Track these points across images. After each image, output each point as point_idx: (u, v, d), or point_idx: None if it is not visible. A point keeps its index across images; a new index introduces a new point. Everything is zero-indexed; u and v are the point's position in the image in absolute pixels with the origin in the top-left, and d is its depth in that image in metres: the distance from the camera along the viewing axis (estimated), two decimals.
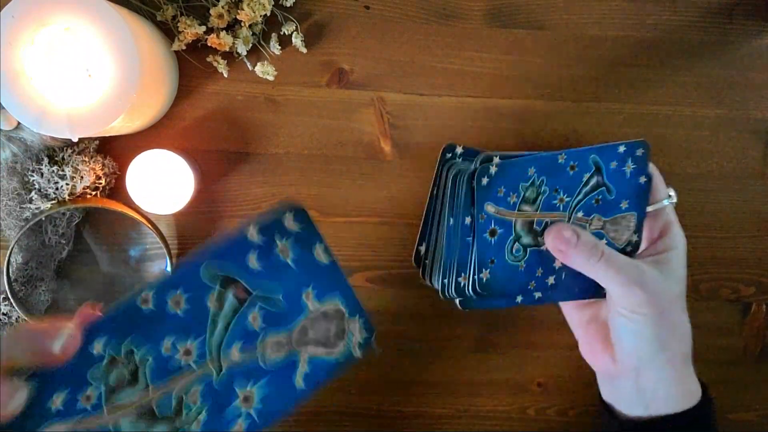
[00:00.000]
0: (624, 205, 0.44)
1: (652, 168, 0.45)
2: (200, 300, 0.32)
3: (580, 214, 0.43)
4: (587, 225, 0.43)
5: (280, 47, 0.51)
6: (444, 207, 0.45)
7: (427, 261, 0.48)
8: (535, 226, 0.43)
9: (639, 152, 0.44)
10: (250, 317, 0.33)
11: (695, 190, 0.56)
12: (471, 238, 0.43)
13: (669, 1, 0.55)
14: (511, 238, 0.42)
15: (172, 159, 0.49)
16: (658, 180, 0.45)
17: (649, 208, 0.44)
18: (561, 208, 0.43)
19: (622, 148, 0.43)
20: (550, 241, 0.42)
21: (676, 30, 0.55)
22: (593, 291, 0.43)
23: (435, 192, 0.47)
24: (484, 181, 0.41)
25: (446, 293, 0.44)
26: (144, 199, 0.50)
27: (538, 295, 0.44)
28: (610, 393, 0.45)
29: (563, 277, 0.44)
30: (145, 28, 0.47)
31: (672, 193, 0.45)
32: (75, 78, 0.44)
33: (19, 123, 0.49)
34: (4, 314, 0.52)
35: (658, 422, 0.42)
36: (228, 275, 0.32)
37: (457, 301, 0.45)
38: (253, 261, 0.33)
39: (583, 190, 0.43)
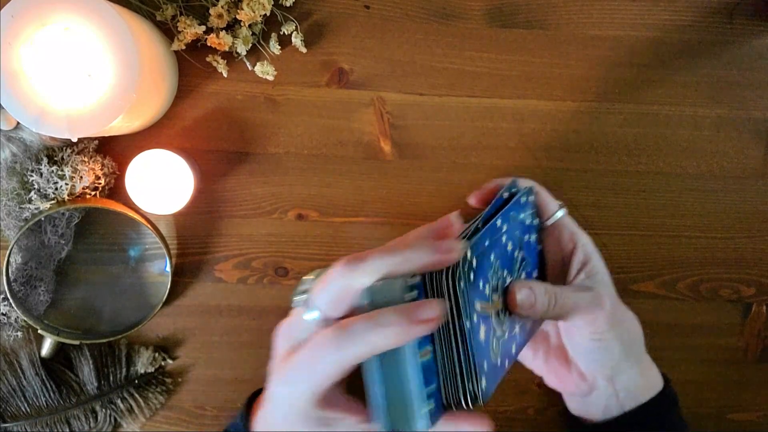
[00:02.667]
0: (534, 274, 0.44)
1: (537, 187, 0.45)
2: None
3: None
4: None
5: (279, 47, 0.51)
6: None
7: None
8: (500, 314, 0.39)
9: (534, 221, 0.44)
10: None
11: (695, 190, 0.56)
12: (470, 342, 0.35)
13: (669, 1, 0.55)
14: (491, 333, 0.38)
15: (172, 159, 0.49)
16: (545, 195, 0.45)
17: (548, 222, 0.45)
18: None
19: (505, 194, 0.41)
20: (524, 296, 0.39)
21: (676, 30, 0.55)
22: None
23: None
24: (471, 275, 0.36)
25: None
26: (143, 199, 0.49)
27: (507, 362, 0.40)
28: (582, 407, 0.46)
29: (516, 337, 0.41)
30: (145, 28, 0.47)
31: (560, 203, 0.45)
32: (74, 78, 0.44)
33: (18, 123, 0.49)
34: (3, 314, 0.52)
35: (630, 416, 0.43)
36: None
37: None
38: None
39: (517, 268, 0.41)
